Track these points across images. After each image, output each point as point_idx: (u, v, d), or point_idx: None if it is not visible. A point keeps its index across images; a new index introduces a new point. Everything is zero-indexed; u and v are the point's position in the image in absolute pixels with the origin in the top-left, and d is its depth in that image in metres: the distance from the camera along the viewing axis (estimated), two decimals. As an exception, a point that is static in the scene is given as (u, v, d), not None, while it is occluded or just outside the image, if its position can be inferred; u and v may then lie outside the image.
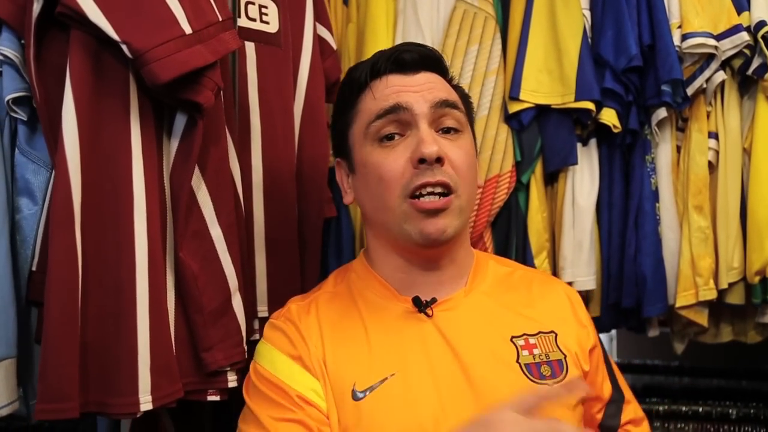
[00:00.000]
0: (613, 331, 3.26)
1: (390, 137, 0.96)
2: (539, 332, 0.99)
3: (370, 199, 0.98)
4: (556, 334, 0.99)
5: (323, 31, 1.44)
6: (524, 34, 1.59)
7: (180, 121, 1.00)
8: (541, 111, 1.57)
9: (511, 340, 0.97)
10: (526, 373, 0.95)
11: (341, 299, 1.00)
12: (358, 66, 1.04)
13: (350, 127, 1.01)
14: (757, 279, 1.51)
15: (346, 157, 1.03)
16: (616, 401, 1.06)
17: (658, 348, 1.81)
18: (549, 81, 1.57)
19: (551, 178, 1.62)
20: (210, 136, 1.03)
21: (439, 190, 0.94)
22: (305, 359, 0.93)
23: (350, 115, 1.01)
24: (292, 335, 0.95)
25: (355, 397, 0.90)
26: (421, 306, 0.96)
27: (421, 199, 0.93)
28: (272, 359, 0.94)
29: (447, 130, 0.98)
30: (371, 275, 1.01)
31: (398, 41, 1.62)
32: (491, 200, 1.57)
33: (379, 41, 1.61)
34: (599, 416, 1.04)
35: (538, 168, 1.60)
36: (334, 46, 1.47)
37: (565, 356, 0.98)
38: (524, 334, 0.98)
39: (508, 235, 1.59)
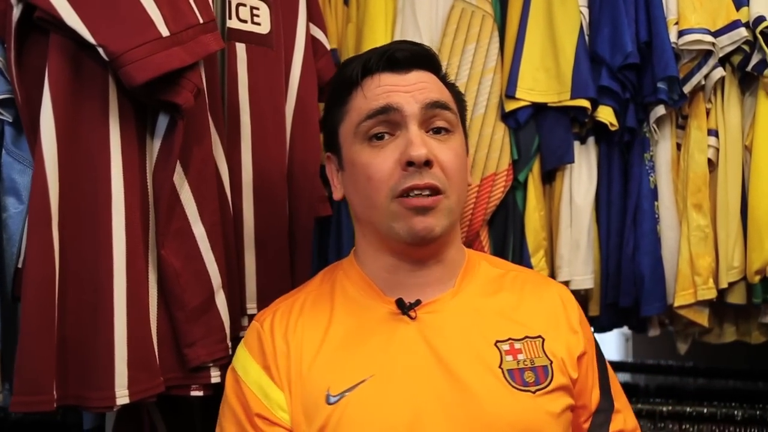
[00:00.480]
0: (628, 331, 3.24)
1: (379, 137, 0.95)
2: (526, 337, 0.96)
3: (359, 197, 0.98)
4: (544, 340, 0.97)
5: (317, 32, 1.45)
6: (521, 32, 1.59)
7: (162, 122, 1.02)
8: (538, 109, 1.57)
9: (496, 344, 0.95)
10: (508, 379, 0.92)
11: (325, 300, 1.00)
12: (350, 62, 1.03)
13: (340, 124, 1.01)
14: (757, 278, 1.49)
15: (336, 153, 1.03)
16: (605, 410, 1.02)
17: (674, 348, 1.79)
18: (545, 79, 1.57)
19: (549, 177, 1.62)
20: (193, 135, 1.04)
21: (427, 192, 0.93)
22: (272, 369, 0.94)
23: (341, 112, 1.01)
24: (266, 342, 0.96)
25: (328, 401, 0.90)
26: (405, 308, 0.96)
27: (410, 197, 0.93)
28: (245, 365, 0.96)
29: (437, 131, 0.97)
30: (358, 274, 1.01)
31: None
32: (487, 199, 1.57)
33: (378, 41, 1.61)
34: (586, 426, 1.01)
35: (536, 166, 1.60)
36: (328, 47, 1.48)
37: (551, 362, 0.95)
38: (510, 339, 0.96)
39: (505, 234, 1.59)
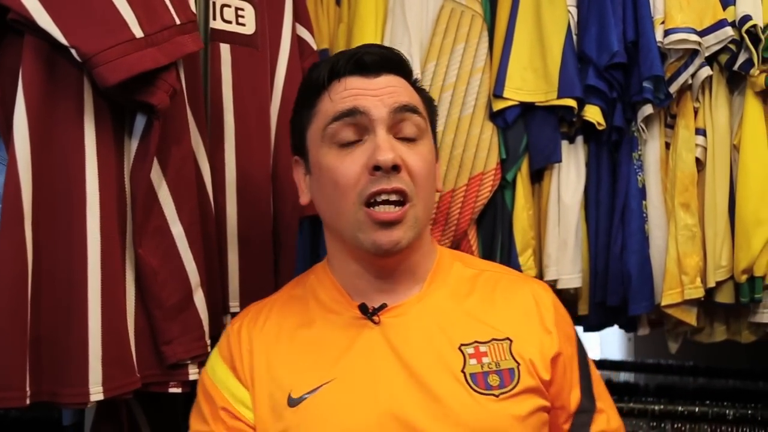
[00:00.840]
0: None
1: (347, 141, 0.95)
2: (492, 339, 0.95)
3: (326, 203, 0.98)
4: (512, 342, 0.96)
5: (303, 32, 1.46)
6: (510, 31, 1.59)
7: (140, 122, 1.03)
8: (526, 109, 1.57)
9: (460, 348, 0.94)
10: (470, 382, 0.92)
11: (294, 304, 1.01)
12: (318, 65, 1.03)
13: (308, 127, 1.00)
14: (744, 278, 1.49)
15: (303, 157, 1.03)
16: (587, 411, 1.00)
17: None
18: (533, 78, 1.57)
19: (537, 176, 1.62)
20: (171, 135, 1.06)
21: (394, 197, 0.93)
22: (238, 369, 0.96)
23: (308, 115, 1.00)
24: (233, 343, 0.98)
25: (290, 404, 0.91)
26: (368, 313, 0.96)
27: (377, 208, 0.92)
28: (214, 366, 0.99)
29: (406, 136, 0.97)
30: (329, 279, 1.01)
31: (386, 41, 1.64)
32: (475, 198, 1.57)
33: (367, 41, 1.62)
34: (566, 426, 0.99)
35: (525, 166, 1.60)
36: (315, 47, 1.49)
37: (519, 365, 0.94)
38: (475, 342, 0.94)
39: (494, 233, 1.59)
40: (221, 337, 1.03)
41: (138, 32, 0.97)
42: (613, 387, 2.61)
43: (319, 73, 0.99)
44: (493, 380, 0.92)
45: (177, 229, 1.07)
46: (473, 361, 0.93)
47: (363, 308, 0.96)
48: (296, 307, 1.01)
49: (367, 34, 1.63)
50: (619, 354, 3.41)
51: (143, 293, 1.05)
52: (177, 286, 1.07)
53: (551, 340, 0.98)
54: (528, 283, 1.07)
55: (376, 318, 0.96)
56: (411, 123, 0.97)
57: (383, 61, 0.99)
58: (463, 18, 1.61)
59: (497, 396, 0.91)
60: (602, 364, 2.84)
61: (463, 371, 0.92)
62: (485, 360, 0.93)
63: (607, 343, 3.52)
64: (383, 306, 0.96)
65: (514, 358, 0.94)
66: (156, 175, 1.04)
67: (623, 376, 2.75)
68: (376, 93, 0.96)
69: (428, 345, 0.94)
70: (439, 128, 1.58)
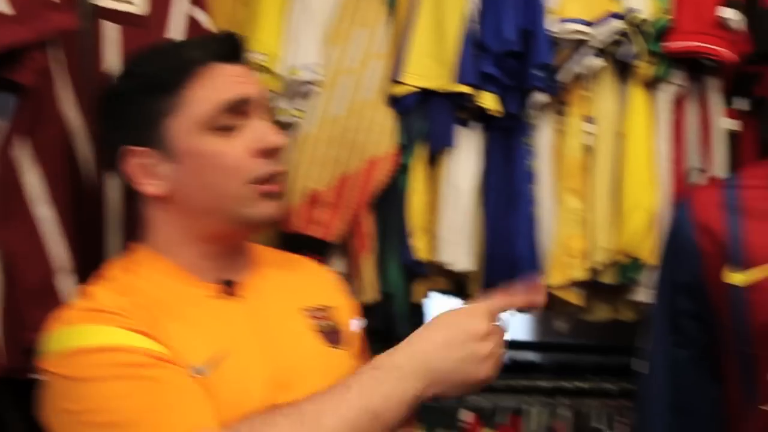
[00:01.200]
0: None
1: (229, 127, 0.96)
2: (320, 305, 1.06)
3: (202, 188, 0.96)
4: (331, 307, 1.08)
5: (198, 13, 1.43)
6: (411, 17, 1.61)
7: (6, 101, 0.99)
8: (425, 94, 1.60)
9: (306, 312, 1.03)
10: (325, 340, 1.02)
11: (141, 287, 0.95)
12: (173, 51, 1.03)
13: (168, 114, 0.96)
14: (624, 259, 1.56)
15: (155, 146, 0.97)
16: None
17: (580, 327, 1.87)
18: (432, 64, 1.59)
19: (434, 161, 1.65)
20: (43, 115, 1.02)
21: (280, 178, 0.99)
22: (148, 331, 0.87)
23: (169, 102, 0.96)
24: (119, 311, 0.88)
25: (199, 373, 0.88)
26: (231, 288, 0.99)
27: (264, 184, 0.97)
28: (103, 334, 0.86)
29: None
30: (164, 264, 0.98)
31: (292, 25, 1.61)
32: (371, 182, 1.58)
33: (270, 25, 1.60)
34: None
35: (421, 151, 1.63)
36: (209, 27, 1.46)
37: (343, 327, 1.07)
38: (311, 307, 1.04)
39: (388, 217, 1.61)
40: (81, 315, 0.88)
41: (4, 8, 0.93)
42: (515, 365, 2.71)
43: (182, 59, 0.97)
44: (335, 338, 1.04)
45: (43, 212, 1.03)
46: (317, 323, 1.03)
47: (228, 283, 0.99)
48: (145, 290, 0.94)
49: (270, 18, 1.61)
50: (527, 335, 3.51)
51: (5, 277, 1.01)
52: (39, 271, 1.04)
53: (351, 303, 1.15)
54: (314, 261, 1.20)
55: (239, 293, 0.99)
56: (268, 110, 1.04)
57: (241, 49, 1.02)
58: (366, 3, 1.62)
59: (342, 350, 1.04)
60: (510, 345, 2.93)
61: (316, 331, 1.02)
62: (323, 322, 1.04)
63: (516, 325, 3.62)
64: (234, 282, 1.00)
65: (339, 321, 1.07)
66: (24, 155, 1.00)
67: (527, 356, 2.85)
68: (247, 80, 0.99)
69: (284, 313, 1.01)
70: (338, 112, 1.59)
